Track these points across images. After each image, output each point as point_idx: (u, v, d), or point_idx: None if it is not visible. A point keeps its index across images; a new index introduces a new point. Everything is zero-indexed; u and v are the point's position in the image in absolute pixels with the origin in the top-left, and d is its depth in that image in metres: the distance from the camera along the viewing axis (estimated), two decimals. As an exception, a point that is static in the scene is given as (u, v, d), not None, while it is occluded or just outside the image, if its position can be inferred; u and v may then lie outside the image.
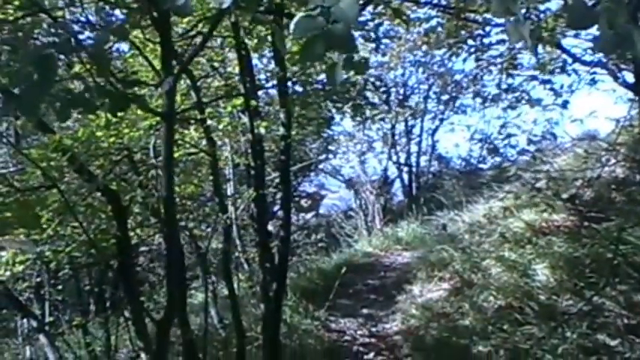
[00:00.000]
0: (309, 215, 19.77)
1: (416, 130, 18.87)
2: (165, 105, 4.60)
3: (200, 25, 7.06)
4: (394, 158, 18.76)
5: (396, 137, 18.59)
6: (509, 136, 16.14)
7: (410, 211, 16.02)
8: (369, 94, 13.28)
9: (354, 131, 17.83)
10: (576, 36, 8.86)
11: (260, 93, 9.58)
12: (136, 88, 4.94)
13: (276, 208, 11.87)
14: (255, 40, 7.92)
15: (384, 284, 11.26)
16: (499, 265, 8.89)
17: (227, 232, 8.77)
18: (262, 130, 7.85)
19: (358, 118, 13.99)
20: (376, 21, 10.39)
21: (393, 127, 18.08)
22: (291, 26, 2.35)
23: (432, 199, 16.27)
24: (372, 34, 10.53)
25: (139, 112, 6.85)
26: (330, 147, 17.69)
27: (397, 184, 19.41)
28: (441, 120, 18.69)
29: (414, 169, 18.89)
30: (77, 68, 4.20)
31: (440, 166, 19.84)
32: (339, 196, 20.11)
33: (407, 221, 15.13)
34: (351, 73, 2.75)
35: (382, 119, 15.66)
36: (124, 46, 7.79)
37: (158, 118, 6.54)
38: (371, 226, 17.15)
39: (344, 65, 2.53)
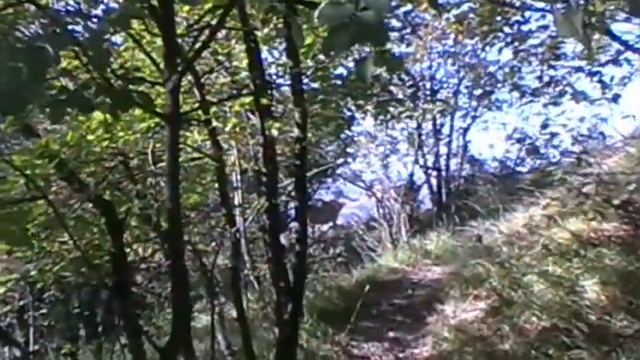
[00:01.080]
0: (325, 227, 19.66)
1: (445, 130, 18.75)
2: (169, 105, 4.59)
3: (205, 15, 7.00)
4: (421, 161, 18.59)
5: (423, 137, 18.44)
6: (551, 135, 16.07)
7: (440, 221, 15.91)
8: (393, 89, 13.14)
9: (375, 131, 17.69)
10: (627, 20, 8.80)
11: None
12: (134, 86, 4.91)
13: (288, 218, 11.86)
14: (266, 30, 7.90)
15: (413, 304, 11.19)
16: (542, 281, 8.76)
17: (235, 246, 8.72)
18: (274, 132, 7.84)
19: (381, 117, 13.87)
20: (403, 9, 10.39)
21: (420, 126, 17.90)
22: (316, 13, 2.36)
23: (464, 206, 16.06)
24: (400, 22, 10.49)
25: (137, 112, 6.81)
26: (349, 149, 17.54)
27: (425, 190, 19.25)
28: (474, 117, 18.57)
29: (443, 174, 18.74)
30: (65, 63, 4.19)
31: (473, 169, 19.67)
32: (360, 204, 20.03)
33: (436, 232, 15.00)
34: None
35: (409, 117, 15.46)
36: (118, 38, 7.73)
37: (157, 120, 6.57)
38: (396, 238, 16.94)
39: (375, 60, 2.54)
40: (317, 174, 15.95)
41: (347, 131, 14.00)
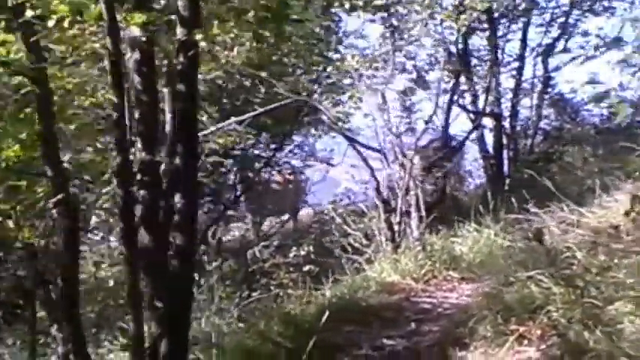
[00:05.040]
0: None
1: (512, 47, 14.18)
2: None
3: None
4: (465, 101, 13.92)
5: (472, 59, 13.85)
6: None
7: (496, 206, 10.60)
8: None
9: (377, 44, 12.39)
10: None
11: None
12: None
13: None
14: None
15: (416, 348, 7.51)
16: (641, 312, 5.79)
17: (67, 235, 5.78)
18: (135, 31, 5.00)
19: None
20: None
21: (465, 38, 13.00)
22: None
23: (543, 183, 10.38)
24: None
25: None
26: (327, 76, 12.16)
27: (474, 151, 14.73)
28: (563, 28, 14.03)
29: (506, 124, 14.20)
30: None
31: (560, 117, 15.22)
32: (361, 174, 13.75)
33: (477, 224, 10.33)
34: None
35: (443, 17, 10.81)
36: None
37: None
38: (400, 231, 11.47)
39: None
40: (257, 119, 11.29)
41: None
